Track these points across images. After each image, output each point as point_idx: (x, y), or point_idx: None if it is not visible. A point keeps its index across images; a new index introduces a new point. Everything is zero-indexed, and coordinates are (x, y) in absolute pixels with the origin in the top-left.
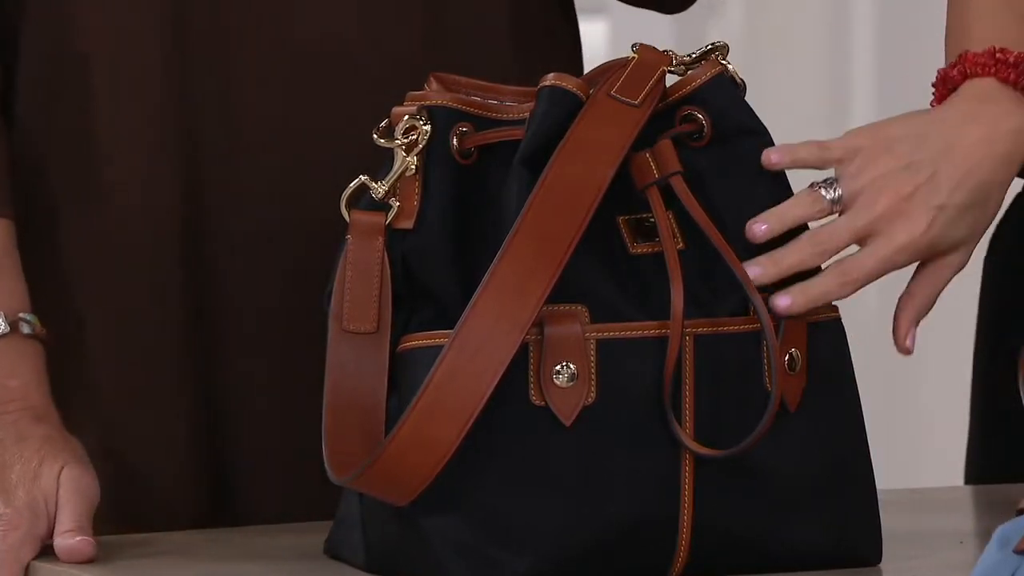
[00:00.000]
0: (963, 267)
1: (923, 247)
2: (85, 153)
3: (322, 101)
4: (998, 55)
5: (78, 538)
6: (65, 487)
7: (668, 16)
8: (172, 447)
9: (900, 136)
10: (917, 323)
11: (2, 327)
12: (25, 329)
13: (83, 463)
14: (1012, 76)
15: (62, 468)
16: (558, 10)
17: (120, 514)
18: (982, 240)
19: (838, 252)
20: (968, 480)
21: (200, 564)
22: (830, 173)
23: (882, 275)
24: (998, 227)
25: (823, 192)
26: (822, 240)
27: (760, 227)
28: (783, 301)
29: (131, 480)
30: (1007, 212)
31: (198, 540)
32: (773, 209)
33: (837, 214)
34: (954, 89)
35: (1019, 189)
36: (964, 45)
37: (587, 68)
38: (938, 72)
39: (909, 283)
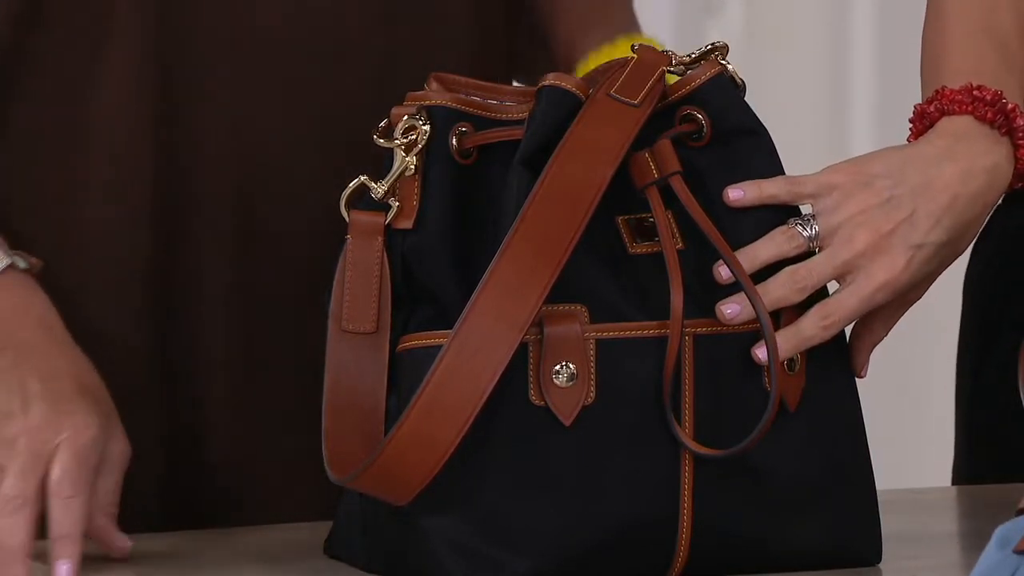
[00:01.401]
0: (918, 299)
1: (903, 285)
2: (60, 148)
3: (287, 86)
4: (975, 92)
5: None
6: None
7: (668, 16)
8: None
9: (878, 172)
10: (871, 351)
11: (4, 261)
12: (21, 264)
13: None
14: (989, 115)
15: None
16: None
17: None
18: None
19: (816, 288)
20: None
21: (200, 564)
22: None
23: (862, 314)
24: (980, 234)
25: (800, 229)
26: (802, 277)
27: (726, 271)
28: (763, 351)
29: None
30: (988, 223)
31: (198, 540)
32: (746, 248)
33: (816, 250)
34: (931, 125)
35: (998, 202)
36: (940, 79)
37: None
38: (915, 108)
39: (867, 315)
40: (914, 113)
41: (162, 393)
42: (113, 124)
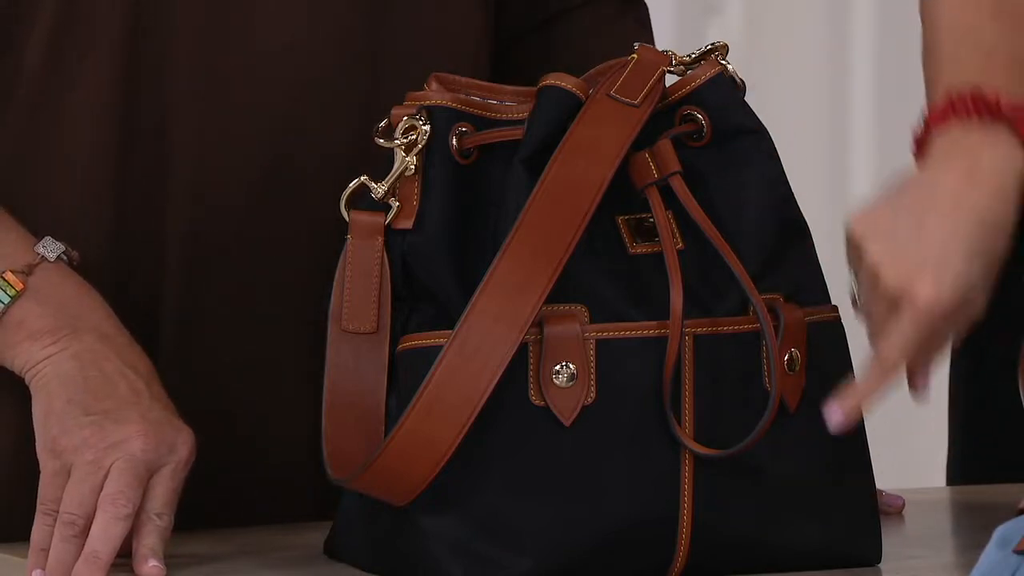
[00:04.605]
0: (979, 312)
1: (946, 300)
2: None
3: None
4: (953, 97)
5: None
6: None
7: (668, 16)
8: None
9: (888, 215)
10: (930, 370)
11: (56, 249)
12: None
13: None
14: (972, 110)
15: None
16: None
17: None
18: None
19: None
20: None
21: (200, 564)
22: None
23: (920, 342)
24: None
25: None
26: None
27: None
28: (836, 417)
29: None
30: None
31: (198, 540)
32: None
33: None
34: (927, 145)
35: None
36: (933, 95)
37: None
38: (912, 135)
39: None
40: (912, 143)
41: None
42: (76, 147)
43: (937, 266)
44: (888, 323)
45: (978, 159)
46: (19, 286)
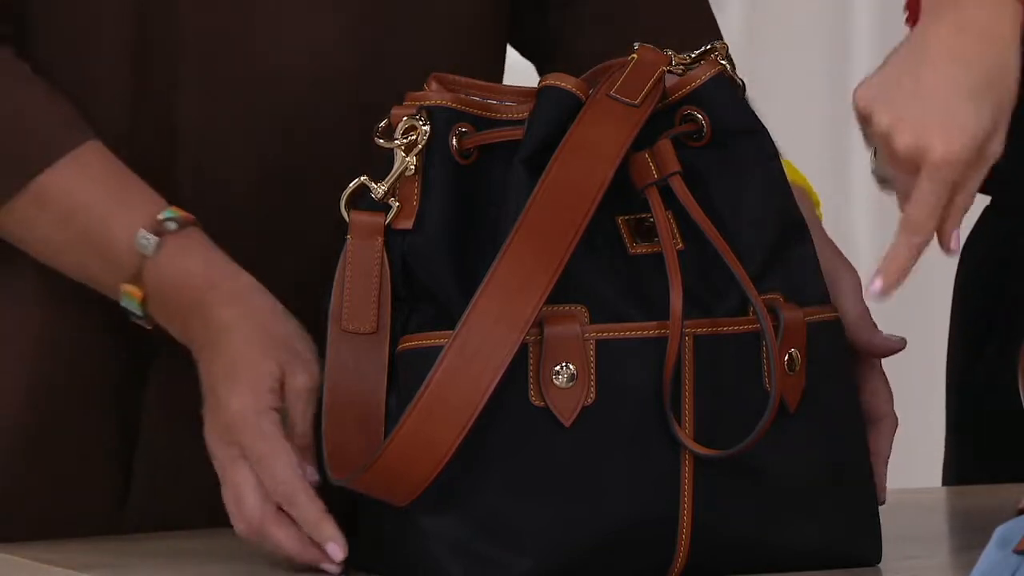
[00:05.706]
0: (998, 155)
1: (959, 150)
2: None
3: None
4: None
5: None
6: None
7: None
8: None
9: (888, 80)
10: (959, 223)
11: (152, 242)
12: (171, 227)
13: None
14: None
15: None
16: (492, 56)
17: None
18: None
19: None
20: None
21: (199, 564)
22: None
23: (946, 197)
24: (969, 238)
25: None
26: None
27: (876, 285)
28: (876, 285)
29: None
30: (977, 223)
31: (198, 539)
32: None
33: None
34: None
35: (987, 202)
36: None
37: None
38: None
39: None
40: (906, 9)
41: (162, 394)
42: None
43: (943, 119)
44: (911, 187)
45: (964, 8)
46: (138, 295)
